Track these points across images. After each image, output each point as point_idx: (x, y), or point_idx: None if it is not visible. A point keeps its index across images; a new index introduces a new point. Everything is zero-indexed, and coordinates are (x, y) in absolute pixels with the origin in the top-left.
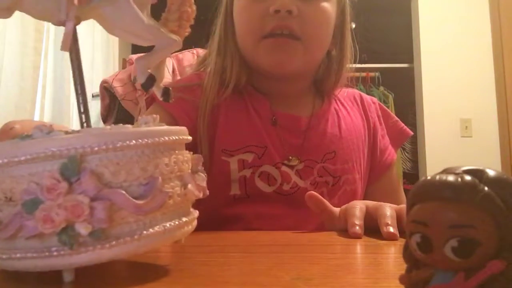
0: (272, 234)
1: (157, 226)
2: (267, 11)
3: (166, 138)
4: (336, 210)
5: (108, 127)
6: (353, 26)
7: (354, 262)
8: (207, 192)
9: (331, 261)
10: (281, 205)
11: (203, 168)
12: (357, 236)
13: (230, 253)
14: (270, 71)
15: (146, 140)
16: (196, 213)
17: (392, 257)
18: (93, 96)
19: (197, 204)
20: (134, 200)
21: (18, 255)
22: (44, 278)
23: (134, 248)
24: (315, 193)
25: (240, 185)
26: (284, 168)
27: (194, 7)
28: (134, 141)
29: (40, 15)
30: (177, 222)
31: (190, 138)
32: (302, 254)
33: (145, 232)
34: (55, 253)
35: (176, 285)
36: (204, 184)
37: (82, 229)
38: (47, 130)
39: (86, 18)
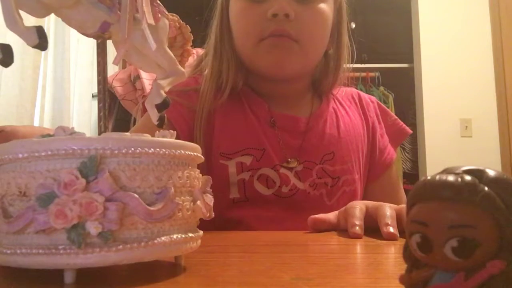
0: (272, 234)
1: (164, 237)
2: (265, 14)
3: (182, 152)
4: (336, 215)
5: (128, 133)
6: (353, 26)
7: (354, 262)
8: (213, 214)
9: (331, 261)
10: (281, 208)
11: (211, 190)
12: (357, 236)
13: (230, 253)
14: (268, 73)
15: (164, 150)
16: (201, 233)
17: (392, 257)
18: (93, 96)
19: None
20: (146, 206)
21: (23, 250)
22: (43, 279)
23: (139, 256)
24: (314, 216)
25: (239, 188)
26: (283, 170)
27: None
28: (152, 149)
29: (76, 25)
30: (183, 236)
31: (202, 158)
32: (302, 254)
33: (152, 240)
34: (61, 251)
35: (176, 285)
36: (211, 204)
37: (93, 228)
38: (69, 131)
39: (116, 36)
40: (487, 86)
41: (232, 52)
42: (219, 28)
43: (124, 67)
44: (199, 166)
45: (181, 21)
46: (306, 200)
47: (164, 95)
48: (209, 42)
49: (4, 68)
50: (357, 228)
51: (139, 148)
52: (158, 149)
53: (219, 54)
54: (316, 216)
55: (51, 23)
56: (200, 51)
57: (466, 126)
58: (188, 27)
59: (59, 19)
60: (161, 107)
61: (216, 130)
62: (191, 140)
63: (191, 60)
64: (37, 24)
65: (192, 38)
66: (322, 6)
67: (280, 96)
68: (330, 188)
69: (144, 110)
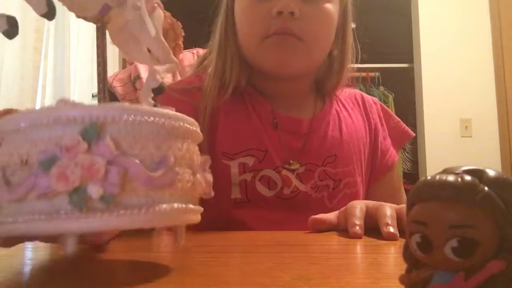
0: (272, 234)
1: (165, 204)
2: (270, 12)
3: (181, 124)
4: (336, 215)
5: (127, 103)
6: (353, 26)
7: (354, 262)
8: (212, 193)
9: (331, 261)
10: (282, 210)
11: (210, 170)
12: (357, 236)
13: (230, 253)
14: (272, 71)
15: (163, 120)
16: (201, 209)
17: (392, 257)
18: (93, 96)
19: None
20: (147, 171)
21: (25, 217)
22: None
23: (140, 222)
24: (314, 217)
25: (240, 189)
26: (284, 172)
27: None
28: (152, 118)
29: (76, 7)
30: (184, 206)
31: (201, 135)
32: (302, 254)
33: (153, 207)
34: (63, 215)
35: (176, 285)
36: (211, 181)
37: (94, 191)
38: (71, 103)
39: (114, 22)
40: (487, 86)
41: (236, 50)
42: (224, 26)
43: (124, 67)
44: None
45: (173, 18)
46: (307, 202)
47: (160, 79)
48: (213, 39)
49: (4, 68)
50: (357, 228)
51: (138, 116)
52: (157, 118)
53: (223, 52)
54: (316, 216)
55: (51, 23)
56: (200, 51)
57: (466, 126)
58: (180, 23)
59: (60, 19)
60: (157, 91)
61: (219, 129)
62: None
63: (192, 60)
64: (37, 24)
65: (183, 35)
66: (328, 5)
67: (283, 96)
68: (332, 191)
69: None
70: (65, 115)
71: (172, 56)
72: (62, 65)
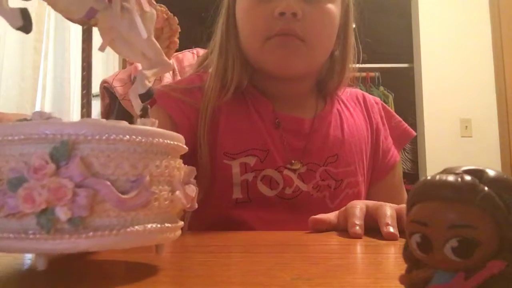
0: (272, 234)
1: (138, 226)
2: (272, 13)
3: (160, 140)
4: (336, 215)
5: (104, 120)
6: (353, 26)
7: (354, 262)
8: (196, 205)
9: (331, 261)
10: (283, 210)
11: (195, 181)
12: (357, 236)
13: (230, 253)
14: (274, 71)
15: (140, 138)
16: (181, 224)
17: (392, 257)
18: (93, 96)
19: (202, 209)
20: (118, 193)
21: None
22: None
23: (111, 243)
24: (314, 217)
25: (242, 189)
26: (286, 172)
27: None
28: (128, 136)
29: (62, 9)
30: (159, 226)
31: (186, 148)
32: (302, 254)
33: (124, 229)
34: (31, 236)
35: (176, 285)
36: (194, 195)
37: (62, 214)
38: (46, 116)
39: (102, 23)
40: (487, 86)
41: (238, 50)
42: (225, 26)
43: (124, 67)
44: (202, 165)
45: (169, 12)
46: (309, 202)
47: (149, 85)
48: (214, 39)
49: (4, 68)
50: (357, 228)
51: (113, 135)
52: (134, 137)
53: (225, 52)
54: (317, 216)
55: (51, 23)
56: (200, 51)
57: (466, 126)
58: (176, 18)
59: (60, 19)
60: (145, 97)
61: (220, 129)
62: (192, 137)
63: (192, 60)
64: (37, 24)
65: (179, 30)
66: (330, 6)
67: (285, 96)
68: (334, 191)
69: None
70: (37, 132)
71: (164, 57)
72: (62, 65)
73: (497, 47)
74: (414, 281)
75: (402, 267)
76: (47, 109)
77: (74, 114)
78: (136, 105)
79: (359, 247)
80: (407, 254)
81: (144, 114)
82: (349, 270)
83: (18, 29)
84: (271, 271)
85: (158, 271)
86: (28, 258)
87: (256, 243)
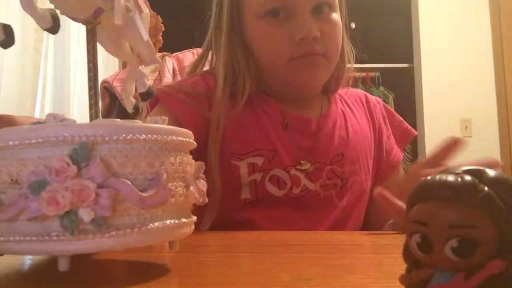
0: (273, 234)
1: (157, 222)
2: (292, 37)
3: (174, 138)
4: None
5: (119, 120)
6: (353, 26)
7: (354, 262)
8: (206, 199)
9: (331, 261)
10: (291, 209)
11: (204, 175)
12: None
13: (231, 253)
14: (301, 88)
15: (155, 136)
16: (194, 218)
17: (392, 257)
18: None
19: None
20: (138, 192)
21: (16, 237)
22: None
23: (133, 241)
24: (382, 193)
25: (250, 189)
26: (294, 171)
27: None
28: (144, 135)
29: (68, 10)
30: (176, 221)
31: (195, 143)
32: (302, 254)
33: (145, 226)
34: (55, 238)
35: (176, 285)
36: (205, 189)
37: (85, 215)
38: (60, 118)
39: (104, 23)
40: (487, 86)
41: (247, 62)
42: (229, 43)
43: (124, 67)
44: (210, 167)
45: (152, 11)
46: (316, 200)
47: (148, 84)
48: (217, 55)
49: (4, 68)
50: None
51: (130, 135)
52: (149, 135)
53: (231, 67)
54: (387, 194)
55: None
56: (200, 51)
57: (466, 126)
58: (159, 17)
59: (60, 19)
60: (145, 96)
61: (227, 130)
62: (196, 139)
63: (192, 60)
64: (37, 25)
65: (163, 29)
66: (335, 15)
67: (291, 97)
68: (340, 189)
69: (146, 110)
70: (54, 135)
71: (157, 56)
72: (62, 65)
73: (497, 47)
74: (414, 281)
75: (402, 267)
76: (47, 109)
77: (75, 114)
78: (128, 104)
79: (359, 247)
80: (407, 254)
81: (136, 112)
82: (349, 270)
83: (46, 29)
84: (271, 271)
85: (159, 271)
86: (28, 258)
87: (256, 243)
